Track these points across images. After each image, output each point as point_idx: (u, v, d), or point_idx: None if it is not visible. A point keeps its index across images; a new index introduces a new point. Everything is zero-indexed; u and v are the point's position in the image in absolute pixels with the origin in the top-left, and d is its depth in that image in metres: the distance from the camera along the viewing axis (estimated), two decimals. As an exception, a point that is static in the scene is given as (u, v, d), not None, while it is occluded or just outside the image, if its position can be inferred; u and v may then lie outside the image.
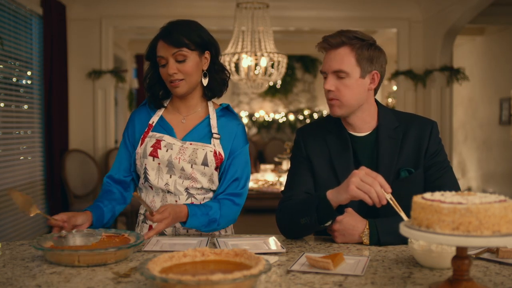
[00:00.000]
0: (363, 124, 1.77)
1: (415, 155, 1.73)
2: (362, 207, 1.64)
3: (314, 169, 1.78)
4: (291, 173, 1.85)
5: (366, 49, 1.67)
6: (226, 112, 1.92)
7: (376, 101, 1.81)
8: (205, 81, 1.87)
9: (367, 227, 1.62)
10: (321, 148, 1.79)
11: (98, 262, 1.38)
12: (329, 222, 1.62)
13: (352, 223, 1.62)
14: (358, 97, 1.70)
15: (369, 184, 1.44)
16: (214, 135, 1.84)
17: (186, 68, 1.79)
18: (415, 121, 1.77)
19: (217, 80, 1.89)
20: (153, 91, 1.90)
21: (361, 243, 1.63)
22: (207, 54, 1.85)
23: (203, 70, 1.85)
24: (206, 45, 1.83)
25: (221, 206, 1.80)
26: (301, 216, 1.63)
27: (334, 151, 1.77)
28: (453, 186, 1.70)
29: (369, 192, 1.43)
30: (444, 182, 1.71)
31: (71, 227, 1.65)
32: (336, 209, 1.57)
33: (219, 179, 1.87)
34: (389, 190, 1.44)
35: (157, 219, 1.60)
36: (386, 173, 1.66)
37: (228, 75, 1.94)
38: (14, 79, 5.00)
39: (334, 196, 1.54)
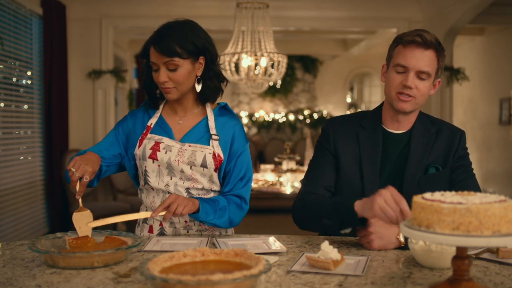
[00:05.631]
0: (408, 123, 1.81)
1: (444, 156, 1.79)
2: None
3: (340, 164, 1.81)
4: (314, 163, 1.87)
5: (444, 58, 1.74)
6: (223, 111, 1.91)
7: None
8: (198, 87, 1.81)
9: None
10: (351, 143, 1.81)
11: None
12: (349, 229, 1.63)
13: (387, 225, 1.57)
14: (425, 100, 1.75)
15: (392, 209, 1.44)
16: (213, 137, 1.83)
17: (177, 77, 1.74)
18: (447, 127, 1.85)
19: (210, 87, 1.83)
20: (149, 90, 1.87)
21: (383, 250, 1.58)
22: (201, 60, 1.79)
23: (196, 76, 1.80)
24: (201, 51, 1.77)
25: (228, 200, 1.81)
26: (324, 217, 1.67)
27: (364, 148, 1.79)
28: (476, 190, 1.73)
29: (390, 218, 1.45)
30: (468, 184, 1.78)
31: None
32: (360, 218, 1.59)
33: (223, 180, 1.87)
34: (410, 216, 1.41)
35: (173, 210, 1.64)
36: (416, 168, 1.75)
37: (224, 81, 1.89)
38: (14, 79, 4.99)
39: (360, 209, 1.55)
